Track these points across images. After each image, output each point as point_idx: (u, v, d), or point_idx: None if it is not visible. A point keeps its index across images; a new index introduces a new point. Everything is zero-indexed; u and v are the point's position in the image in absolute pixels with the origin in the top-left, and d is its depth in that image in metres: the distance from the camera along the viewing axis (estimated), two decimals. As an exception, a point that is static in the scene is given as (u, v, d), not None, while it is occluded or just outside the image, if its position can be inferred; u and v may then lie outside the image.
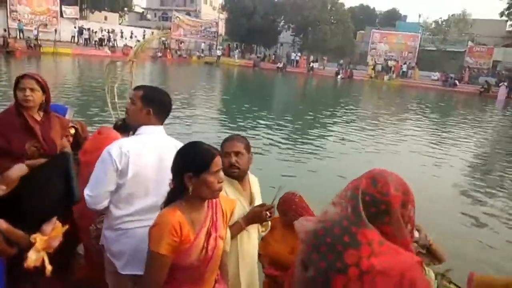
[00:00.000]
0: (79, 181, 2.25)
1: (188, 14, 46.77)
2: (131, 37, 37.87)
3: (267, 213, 2.04)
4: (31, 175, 1.14)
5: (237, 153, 2.05)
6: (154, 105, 2.04)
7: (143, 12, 59.26)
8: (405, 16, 54.49)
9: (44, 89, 2.57)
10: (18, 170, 1.12)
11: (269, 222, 2.26)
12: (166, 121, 2.17)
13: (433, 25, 45.03)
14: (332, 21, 39.98)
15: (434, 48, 38.49)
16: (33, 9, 31.19)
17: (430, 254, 1.75)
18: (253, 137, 9.05)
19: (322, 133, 10.93)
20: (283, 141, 9.44)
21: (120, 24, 43.64)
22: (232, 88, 22.99)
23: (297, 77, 31.67)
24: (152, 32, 35.47)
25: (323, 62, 37.00)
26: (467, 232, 5.39)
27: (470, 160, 9.58)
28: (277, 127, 10.99)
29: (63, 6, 33.47)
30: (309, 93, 24.40)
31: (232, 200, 1.98)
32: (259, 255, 2.36)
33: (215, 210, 1.76)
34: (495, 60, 35.49)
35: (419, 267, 1.09)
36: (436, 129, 13.25)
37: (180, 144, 1.91)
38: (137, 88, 2.14)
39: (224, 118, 12.37)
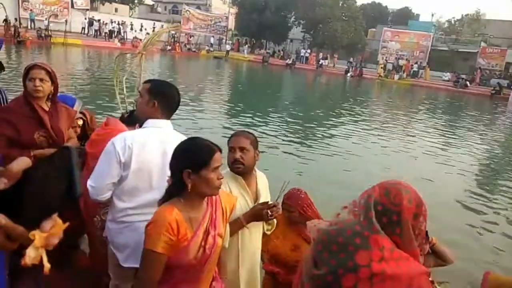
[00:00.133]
0: (86, 172, 2.27)
1: (199, 7, 46.63)
2: (141, 29, 37.85)
3: (268, 211, 2.01)
4: (33, 169, 1.12)
5: (242, 149, 2.03)
6: (161, 97, 2.04)
7: (153, 4, 59.23)
8: (418, 15, 53.88)
9: (53, 79, 2.57)
10: (21, 163, 1.09)
11: (275, 221, 2.24)
12: (174, 116, 2.17)
13: (446, 25, 44.47)
14: (344, 18, 39.59)
15: (446, 48, 37.99)
16: (45, -1, 31.40)
17: (435, 255, 1.73)
18: (261, 134, 9.03)
19: (330, 131, 10.87)
20: (290, 137, 9.41)
21: (130, 16, 43.66)
22: (240, 83, 22.94)
23: (306, 74, 31.51)
24: (162, 25, 35.53)
25: (334, 59, 36.77)
26: (476, 234, 5.34)
27: (480, 162, 9.47)
28: (284, 124, 10.96)
29: (74, -3, 33.62)
30: (318, 91, 24.27)
31: (232, 196, 1.95)
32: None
33: (214, 208, 1.71)
34: (508, 62, 34.93)
35: (427, 278, 1.11)
36: (446, 131, 13.13)
37: None
38: (146, 81, 2.15)
39: (232, 113, 12.35)
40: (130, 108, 4.44)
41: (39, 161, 2.37)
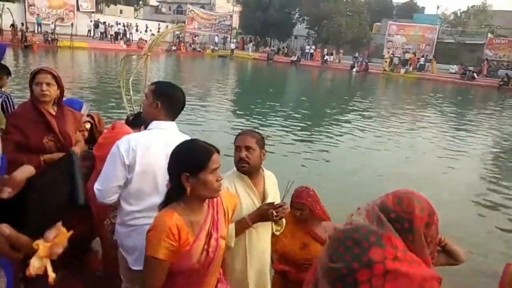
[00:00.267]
0: (94, 175, 2.29)
1: (203, 7, 46.65)
2: (146, 31, 38.04)
3: (274, 212, 1.98)
4: (42, 174, 1.12)
5: (248, 148, 2.02)
6: (164, 98, 2.04)
7: (158, 5, 59.42)
8: (423, 8, 53.38)
9: (59, 83, 2.59)
10: (24, 172, 1.09)
11: (284, 220, 2.22)
12: (180, 117, 2.17)
13: (451, 17, 43.96)
14: (348, 13, 39.32)
15: (453, 41, 37.56)
16: (51, 3, 31.58)
17: (447, 254, 1.73)
18: (265, 132, 9.02)
19: (336, 128, 10.81)
20: (296, 135, 9.39)
21: (135, 17, 43.87)
22: (246, 82, 22.93)
23: (311, 70, 31.37)
24: (167, 26, 35.61)
25: (339, 55, 36.55)
26: (492, 226, 5.29)
27: (490, 154, 9.36)
28: (291, 121, 10.93)
29: (79, 0, 33.81)
30: (323, 87, 24.16)
31: (234, 196, 1.94)
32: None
33: (216, 209, 1.67)
34: (515, 53, 34.46)
35: (438, 284, 1.13)
36: (454, 124, 12.99)
37: None
38: (152, 83, 2.16)
39: (238, 112, 12.35)
40: (137, 109, 4.47)
41: (48, 166, 2.40)
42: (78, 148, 2.61)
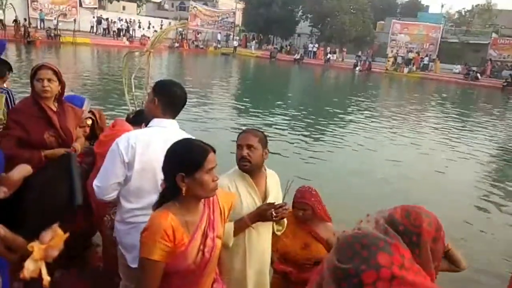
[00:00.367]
0: (94, 172, 2.28)
1: (206, 4, 46.54)
2: (148, 27, 37.97)
3: (273, 212, 1.96)
4: (37, 175, 1.09)
5: (249, 146, 2.00)
6: (161, 95, 2.03)
7: (160, 2, 59.31)
8: (427, 7, 53.21)
9: (60, 79, 2.58)
10: (21, 170, 1.06)
11: (285, 220, 2.20)
12: (181, 114, 2.15)
13: (456, 16, 43.75)
14: (352, 10, 39.18)
15: (457, 40, 37.37)
16: (53, -2, 31.64)
17: (449, 260, 1.73)
18: (269, 131, 9.00)
19: (339, 127, 10.80)
20: (299, 134, 9.37)
21: (138, 14, 43.79)
22: (248, 80, 22.89)
23: (314, 69, 31.31)
24: (170, 23, 35.58)
25: (342, 53, 36.43)
26: (498, 226, 5.29)
27: (493, 155, 9.32)
28: (292, 120, 10.91)
29: (82, -5, 33.81)
30: (326, 86, 24.11)
31: (230, 194, 1.91)
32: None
33: (212, 209, 1.64)
34: (520, 53, 34.27)
35: None
36: (457, 124, 12.95)
37: None
38: (155, 82, 2.16)
39: (240, 111, 12.33)
40: (139, 106, 4.46)
41: (49, 162, 2.40)
42: (78, 144, 2.61)
